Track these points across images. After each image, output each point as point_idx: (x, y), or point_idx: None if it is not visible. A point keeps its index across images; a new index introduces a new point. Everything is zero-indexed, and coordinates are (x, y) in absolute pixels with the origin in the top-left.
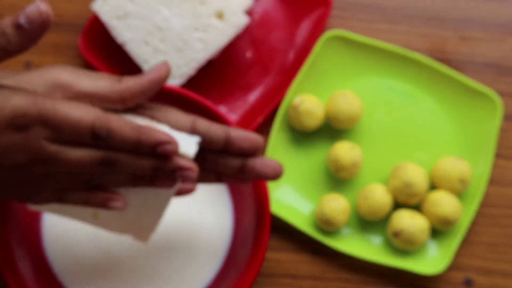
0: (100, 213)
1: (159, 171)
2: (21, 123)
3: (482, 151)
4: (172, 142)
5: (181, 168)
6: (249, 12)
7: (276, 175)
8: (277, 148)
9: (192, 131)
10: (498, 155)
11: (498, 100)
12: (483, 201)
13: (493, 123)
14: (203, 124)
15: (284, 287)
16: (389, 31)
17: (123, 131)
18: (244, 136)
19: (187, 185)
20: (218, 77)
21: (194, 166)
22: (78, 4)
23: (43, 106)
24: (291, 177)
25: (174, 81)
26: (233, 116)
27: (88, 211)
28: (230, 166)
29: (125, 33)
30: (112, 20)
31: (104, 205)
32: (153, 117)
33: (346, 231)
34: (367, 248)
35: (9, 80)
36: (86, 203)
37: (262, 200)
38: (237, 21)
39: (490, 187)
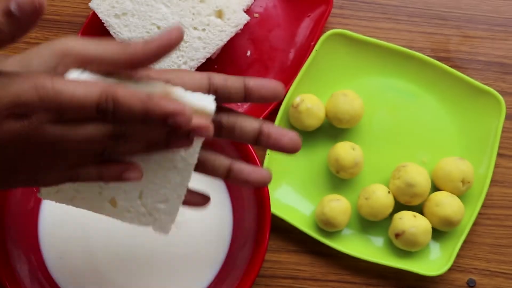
0: (119, 200)
1: (173, 135)
2: (21, 110)
3: (485, 151)
4: (183, 113)
5: (196, 128)
6: (249, 11)
7: (293, 148)
8: None
9: (210, 86)
10: (501, 155)
11: (501, 100)
12: (485, 201)
13: (496, 123)
14: (220, 77)
15: None
16: (391, 29)
17: (131, 103)
18: (263, 83)
19: (199, 200)
20: None
21: (208, 124)
22: (76, 2)
23: (44, 89)
24: (291, 177)
25: None
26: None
27: (105, 198)
28: (246, 130)
29: (124, 31)
30: (111, 18)
31: (119, 177)
32: (168, 81)
33: (347, 232)
34: (368, 249)
35: (18, 56)
36: (100, 178)
37: (262, 200)
38: (237, 20)
39: (493, 187)
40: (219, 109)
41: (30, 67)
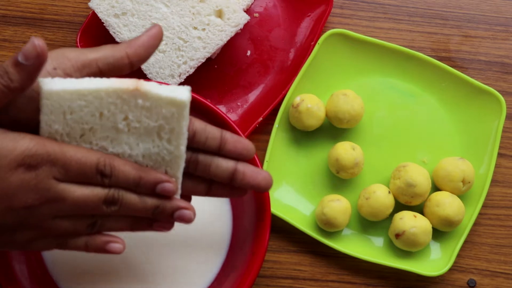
0: None
1: (158, 212)
2: (31, 162)
3: (485, 151)
4: (171, 181)
5: (179, 208)
6: (249, 10)
7: (266, 186)
8: (278, 148)
9: (189, 127)
10: (502, 155)
11: (501, 99)
12: (486, 201)
13: (497, 123)
14: (201, 123)
15: None
16: (391, 29)
17: (126, 169)
18: (238, 138)
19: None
20: (217, 76)
21: (191, 206)
22: (76, 2)
23: (51, 147)
24: (291, 177)
25: (173, 80)
26: (233, 116)
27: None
28: (222, 169)
29: (123, 31)
30: (110, 18)
31: (103, 248)
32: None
33: (347, 232)
34: (368, 249)
35: None
36: (86, 247)
37: (262, 200)
38: (237, 19)
39: (493, 187)
40: (197, 150)
41: None
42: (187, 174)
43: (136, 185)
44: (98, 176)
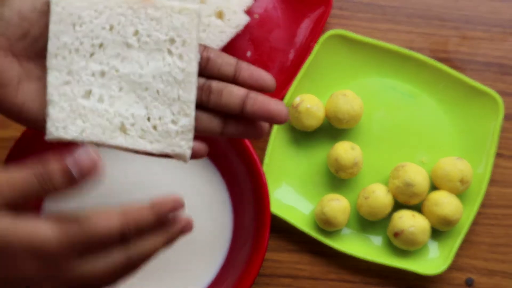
0: (128, 125)
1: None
2: (50, 257)
3: (483, 151)
4: (181, 204)
5: (184, 230)
6: (249, 12)
7: (280, 115)
8: (277, 148)
9: (203, 54)
10: (499, 155)
11: (499, 100)
12: (484, 201)
13: (495, 123)
14: (215, 51)
15: (284, 287)
16: (390, 30)
17: (147, 218)
18: (255, 68)
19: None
20: None
21: (190, 223)
22: None
23: (72, 231)
24: (291, 177)
25: None
26: None
27: (115, 126)
28: (234, 95)
29: None
30: None
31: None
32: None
33: (346, 231)
34: (367, 248)
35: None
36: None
37: (262, 200)
38: (237, 21)
39: (491, 187)
40: (211, 78)
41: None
42: (200, 107)
43: (159, 224)
44: (124, 239)
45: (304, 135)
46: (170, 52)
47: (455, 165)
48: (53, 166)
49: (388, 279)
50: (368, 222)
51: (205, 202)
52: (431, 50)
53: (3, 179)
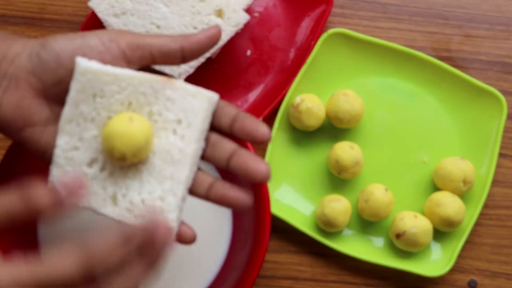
0: (119, 196)
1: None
2: None
3: (486, 151)
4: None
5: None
6: (249, 10)
7: (257, 175)
8: (278, 148)
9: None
10: (503, 155)
11: (502, 99)
12: (487, 202)
13: (497, 123)
14: (221, 102)
15: None
16: (392, 29)
17: (115, 255)
18: (249, 120)
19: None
20: (217, 75)
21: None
22: (76, 2)
23: (22, 277)
24: (291, 177)
25: None
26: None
27: (108, 194)
28: (224, 150)
29: None
30: (110, 17)
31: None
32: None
33: (347, 232)
34: (369, 250)
35: (59, 44)
36: None
37: (262, 200)
38: (237, 19)
39: (494, 187)
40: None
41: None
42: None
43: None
44: (83, 282)
45: (305, 135)
46: (174, 131)
47: (457, 166)
48: (38, 187)
49: (389, 280)
50: (369, 223)
51: (205, 203)
52: (433, 49)
53: None
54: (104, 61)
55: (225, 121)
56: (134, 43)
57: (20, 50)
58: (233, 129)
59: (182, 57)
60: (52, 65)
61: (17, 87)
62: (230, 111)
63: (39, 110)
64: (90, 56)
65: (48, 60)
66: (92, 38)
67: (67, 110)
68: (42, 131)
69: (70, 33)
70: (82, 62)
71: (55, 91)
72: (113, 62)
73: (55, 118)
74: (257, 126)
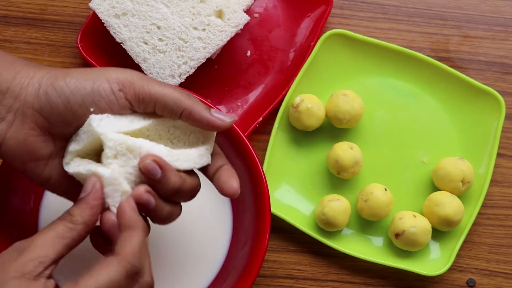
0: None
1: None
2: None
3: (485, 151)
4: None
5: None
6: (249, 11)
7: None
8: (278, 148)
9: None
10: (501, 155)
11: (501, 100)
12: (485, 201)
13: (496, 123)
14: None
15: None
16: (391, 30)
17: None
18: (229, 174)
19: None
20: (217, 76)
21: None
22: (76, 2)
23: None
24: (291, 177)
25: (173, 81)
26: (233, 116)
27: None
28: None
29: (124, 31)
30: (111, 18)
31: None
32: None
33: (347, 232)
34: (368, 249)
35: (70, 87)
36: None
37: (262, 200)
38: (237, 20)
39: (493, 187)
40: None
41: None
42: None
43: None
44: None
45: (304, 135)
46: (172, 142)
47: (456, 165)
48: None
49: (389, 279)
50: (368, 223)
51: (205, 202)
52: (432, 50)
53: (39, 240)
54: (112, 111)
55: (210, 170)
56: (140, 96)
57: (26, 82)
58: (212, 179)
59: (180, 118)
60: (61, 108)
61: (24, 124)
62: (218, 161)
63: (43, 146)
64: (99, 105)
65: (58, 104)
66: (103, 83)
67: (111, 171)
68: (45, 164)
69: (80, 68)
70: (95, 120)
71: (60, 131)
72: (120, 111)
73: (58, 152)
74: (229, 180)
